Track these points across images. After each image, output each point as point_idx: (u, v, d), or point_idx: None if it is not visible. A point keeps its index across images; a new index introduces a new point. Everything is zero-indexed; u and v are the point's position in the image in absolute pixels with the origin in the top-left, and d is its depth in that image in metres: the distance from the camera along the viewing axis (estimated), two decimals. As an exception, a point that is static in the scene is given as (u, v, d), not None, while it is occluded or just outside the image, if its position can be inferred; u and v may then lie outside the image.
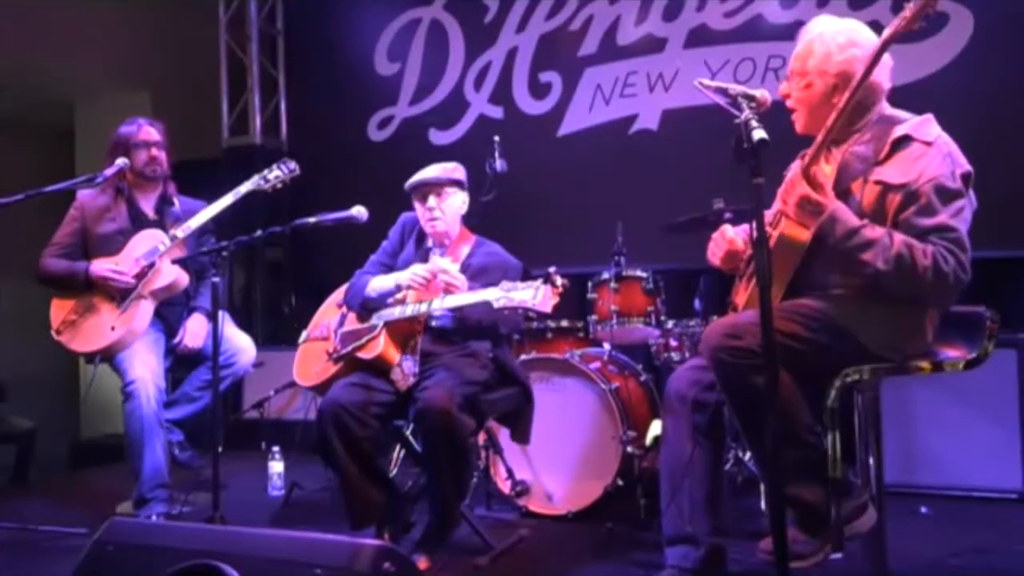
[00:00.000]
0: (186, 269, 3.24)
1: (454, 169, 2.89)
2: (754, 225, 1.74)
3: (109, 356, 3.17)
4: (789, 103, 2.22)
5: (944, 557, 2.68)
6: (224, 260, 2.86)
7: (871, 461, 2.21)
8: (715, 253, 2.36)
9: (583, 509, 3.15)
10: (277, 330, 5.57)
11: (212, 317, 3.06)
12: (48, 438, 4.96)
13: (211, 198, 3.31)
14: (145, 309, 3.16)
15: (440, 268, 2.64)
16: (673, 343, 3.47)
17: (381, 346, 2.65)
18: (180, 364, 3.41)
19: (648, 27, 4.66)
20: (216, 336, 2.84)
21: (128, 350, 3.13)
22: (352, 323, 2.83)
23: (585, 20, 4.82)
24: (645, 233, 3.56)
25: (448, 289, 2.59)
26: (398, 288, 2.75)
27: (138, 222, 3.32)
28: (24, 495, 4.18)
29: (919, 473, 3.43)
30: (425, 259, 2.88)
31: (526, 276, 2.51)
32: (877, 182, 2.03)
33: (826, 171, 2.06)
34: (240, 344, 3.34)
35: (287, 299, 5.72)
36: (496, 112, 5.05)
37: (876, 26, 2.09)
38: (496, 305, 2.38)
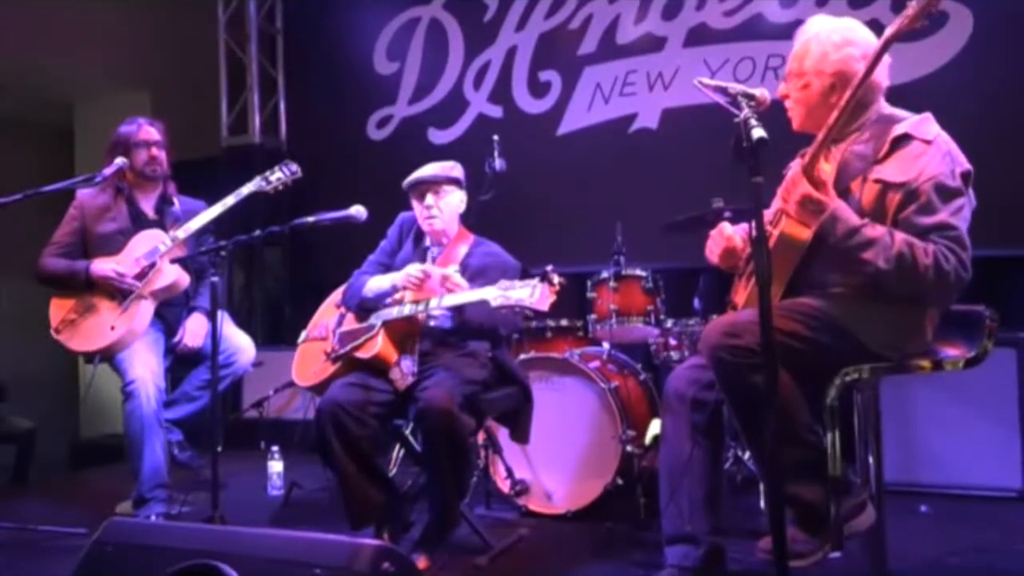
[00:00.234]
0: (186, 269, 3.23)
1: (452, 167, 2.89)
2: (753, 224, 1.73)
3: (109, 356, 3.16)
4: (788, 103, 2.22)
5: (943, 556, 2.68)
6: (223, 260, 2.85)
7: (870, 460, 2.21)
8: (713, 250, 2.36)
9: (583, 508, 3.15)
10: (276, 330, 5.58)
11: (211, 316, 3.06)
12: (48, 438, 4.96)
13: (210, 198, 3.31)
14: (145, 309, 3.16)
15: (444, 275, 2.63)
16: (672, 342, 3.47)
17: (379, 346, 2.65)
18: (179, 364, 3.40)
19: (647, 26, 4.66)
20: (215, 336, 2.83)
21: (128, 350, 3.13)
22: (350, 323, 2.83)
23: (584, 19, 4.82)
24: (644, 232, 3.56)
25: (450, 290, 2.59)
26: (394, 288, 2.75)
27: (138, 222, 3.32)
28: (24, 495, 4.18)
29: (919, 472, 3.43)
30: (423, 258, 2.88)
31: (524, 276, 2.50)
32: (877, 181, 2.03)
33: (826, 170, 2.06)
34: (239, 343, 3.34)
35: (286, 299, 5.72)
36: (495, 111, 5.05)
37: (876, 25, 2.09)
38: (493, 304, 2.38)
